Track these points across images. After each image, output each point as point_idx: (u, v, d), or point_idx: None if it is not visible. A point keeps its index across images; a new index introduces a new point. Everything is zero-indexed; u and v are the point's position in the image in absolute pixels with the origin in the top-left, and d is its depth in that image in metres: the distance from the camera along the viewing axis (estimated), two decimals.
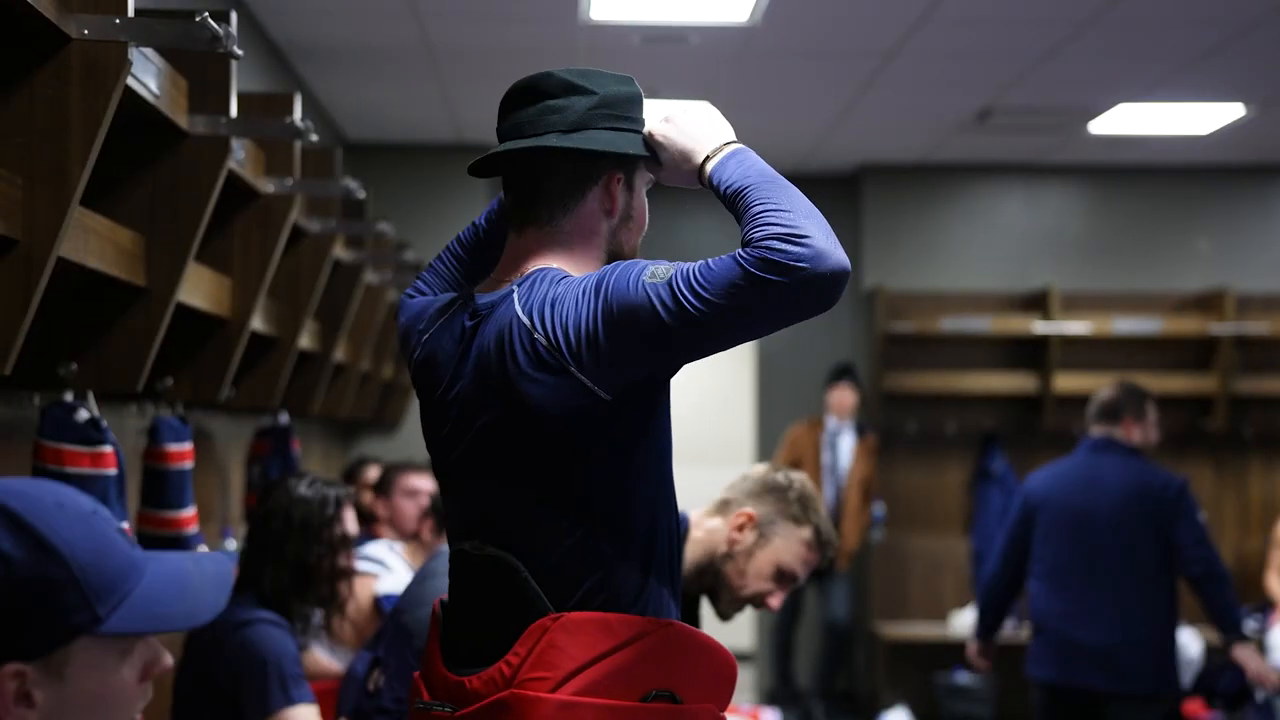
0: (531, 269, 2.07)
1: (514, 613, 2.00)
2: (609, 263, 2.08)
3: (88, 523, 1.35)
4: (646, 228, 2.18)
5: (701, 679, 2.01)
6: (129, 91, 2.39)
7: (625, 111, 2.10)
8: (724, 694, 2.05)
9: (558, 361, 1.95)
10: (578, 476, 1.99)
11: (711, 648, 2.03)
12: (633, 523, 2.01)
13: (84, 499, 1.39)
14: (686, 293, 1.85)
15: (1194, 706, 6.53)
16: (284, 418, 4.38)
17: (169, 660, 1.40)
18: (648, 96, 2.16)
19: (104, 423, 2.63)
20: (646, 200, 2.17)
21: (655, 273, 1.90)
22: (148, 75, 2.50)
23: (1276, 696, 5.30)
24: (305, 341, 4.18)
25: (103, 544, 1.35)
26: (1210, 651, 7.12)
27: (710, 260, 1.87)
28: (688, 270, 1.87)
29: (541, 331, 1.96)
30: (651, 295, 1.88)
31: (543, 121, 2.06)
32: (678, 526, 2.10)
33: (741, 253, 1.85)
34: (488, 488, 2.05)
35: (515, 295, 2.03)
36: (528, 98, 2.08)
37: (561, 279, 2.01)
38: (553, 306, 1.97)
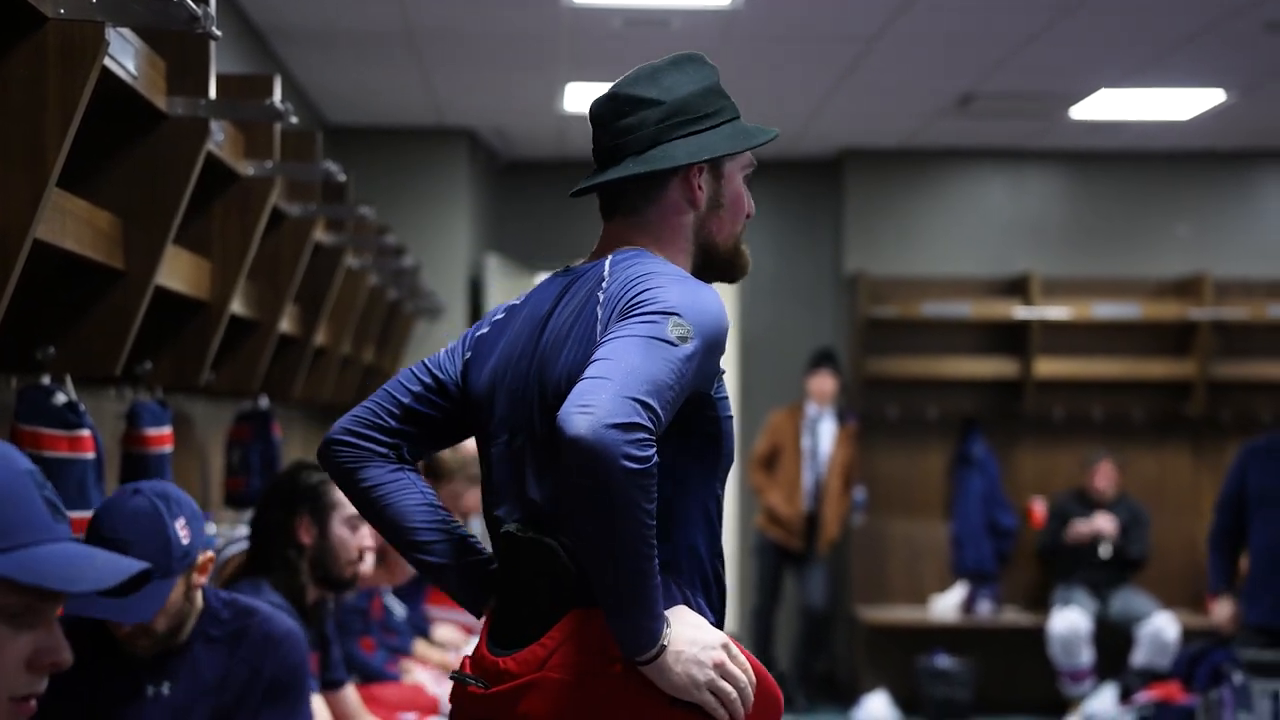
0: (626, 248, 2.10)
1: (553, 598, 2.00)
2: (699, 253, 2.12)
3: (12, 475, 1.33)
4: (751, 211, 2.17)
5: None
6: (106, 72, 2.37)
7: (699, 110, 2.10)
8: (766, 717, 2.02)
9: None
10: None
11: (760, 675, 2.00)
12: (673, 539, 2.00)
13: (27, 462, 1.37)
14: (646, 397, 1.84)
15: (1171, 689, 6.56)
16: (264, 402, 4.36)
17: (68, 656, 1.34)
18: None
19: (82, 406, 2.61)
20: (745, 187, 2.16)
21: (675, 335, 1.90)
22: (125, 56, 2.48)
23: (1251, 676, 5.32)
24: (286, 325, 4.16)
25: (14, 494, 1.33)
26: (1187, 635, 7.15)
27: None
28: (647, 388, 1.84)
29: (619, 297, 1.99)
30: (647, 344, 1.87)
31: (619, 147, 2.09)
32: (720, 552, 2.09)
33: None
34: (541, 474, 2.03)
35: (609, 260, 2.07)
36: (603, 117, 2.11)
37: (662, 261, 2.05)
38: (640, 280, 1.99)
